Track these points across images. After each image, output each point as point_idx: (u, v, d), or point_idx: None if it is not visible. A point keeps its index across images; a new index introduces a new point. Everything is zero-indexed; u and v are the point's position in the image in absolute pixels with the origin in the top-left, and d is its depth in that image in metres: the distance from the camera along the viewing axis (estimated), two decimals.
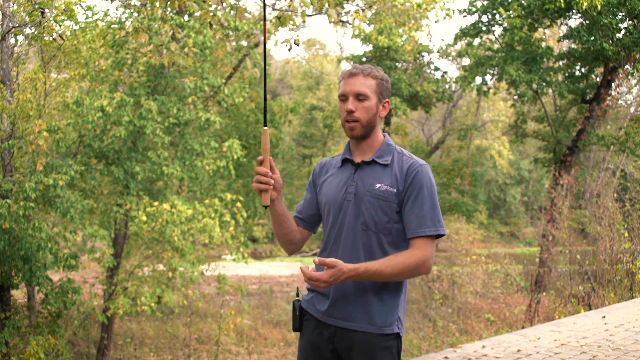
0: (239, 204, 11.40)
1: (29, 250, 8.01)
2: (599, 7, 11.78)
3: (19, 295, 10.76)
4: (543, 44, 14.68)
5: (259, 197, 2.19)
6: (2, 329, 8.17)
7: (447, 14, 15.98)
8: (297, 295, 2.36)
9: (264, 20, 2.25)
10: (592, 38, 13.01)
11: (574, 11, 13.79)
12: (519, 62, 14.31)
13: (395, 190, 2.17)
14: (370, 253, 2.18)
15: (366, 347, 2.17)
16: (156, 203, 10.49)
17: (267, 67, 2.29)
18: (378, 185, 2.19)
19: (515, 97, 16.47)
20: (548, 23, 14.99)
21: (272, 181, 2.15)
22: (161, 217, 10.12)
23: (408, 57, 18.83)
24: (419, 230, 2.14)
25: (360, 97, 2.21)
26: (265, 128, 2.17)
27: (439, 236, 2.18)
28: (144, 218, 10.08)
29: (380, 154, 2.25)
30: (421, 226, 2.14)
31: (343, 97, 2.24)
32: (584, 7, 11.55)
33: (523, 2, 13.95)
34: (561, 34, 16.16)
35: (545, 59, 14.73)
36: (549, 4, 13.24)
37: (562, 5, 12.89)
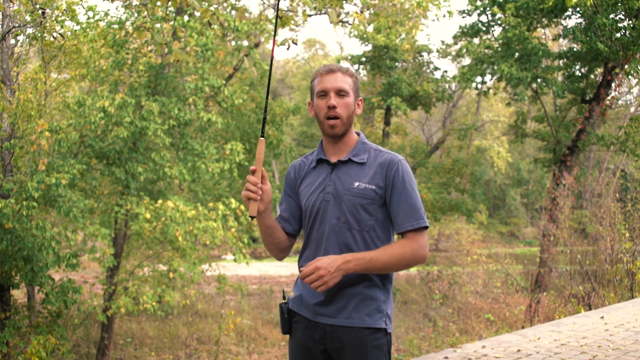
0: (242, 207, 11.42)
1: (31, 250, 8.01)
2: (588, 4, 11.76)
3: (19, 295, 10.76)
4: (535, 41, 14.56)
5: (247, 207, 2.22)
6: (3, 329, 8.17)
7: (449, 12, 15.95)
8: (284, 297, 2.34)
9: (274, 36, 2.31)
10: (588, 38, 13.00)
11: (572, 11, 13.79)
12: (513, 59, 14.30)
13: (374, 186, 2.18)
14: (354, 252, 2.16)
15: (357, 346, 2.15)
16: (160, 201, 10.49)
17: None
18: (357, 184, 2.19)
19: (515, 96, 16.46)
20: (546, 22, 14.97)
21: (261, 192, 2.15)
22: (165, 214, 10.10)
23: (407, 56, 18.80)
24: (408, 224, 2.15)
25: (341, 93, 2.21)
26: (262, 138, 2.16)
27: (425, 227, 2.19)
28: (148, 216, 10.05)
29: (356, 153, 2.25)
30: (411, 219, 2.15)
31: (323, 94, 2.23)
32: (572, 3, 11.51)
33: (517, 2, 13.94)
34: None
35: (543, 58, 14.70)
36: (542, 3, 13.24)
37: (550, 3, 12.89)
